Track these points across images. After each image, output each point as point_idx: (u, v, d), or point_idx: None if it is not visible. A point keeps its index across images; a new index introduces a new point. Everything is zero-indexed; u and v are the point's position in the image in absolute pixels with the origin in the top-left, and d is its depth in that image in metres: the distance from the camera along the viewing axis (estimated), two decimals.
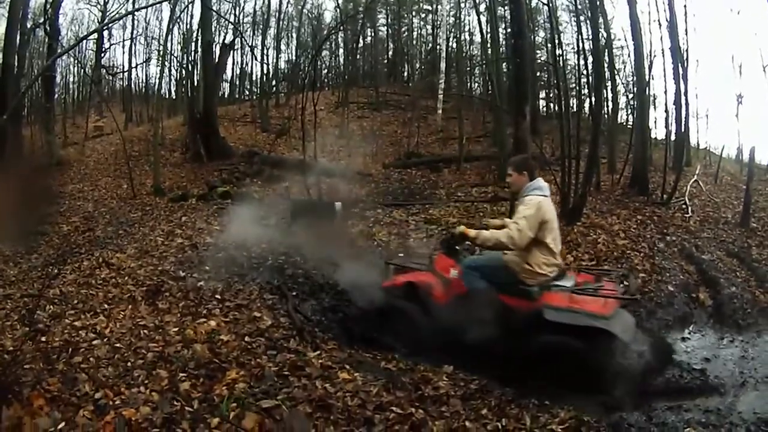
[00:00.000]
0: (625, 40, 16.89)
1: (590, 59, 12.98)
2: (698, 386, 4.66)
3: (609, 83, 15.48)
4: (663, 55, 14.84)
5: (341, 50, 26.18)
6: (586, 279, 4.96)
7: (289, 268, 7.35)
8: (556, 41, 15.35)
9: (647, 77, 14.08)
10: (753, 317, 6.88)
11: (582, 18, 15.75)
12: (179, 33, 20.95)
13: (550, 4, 15.30)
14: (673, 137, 14.46)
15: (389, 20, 26.94)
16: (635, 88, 14.44)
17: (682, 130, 14.22)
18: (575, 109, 16.08)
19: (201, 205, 11.43)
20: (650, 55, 14.54)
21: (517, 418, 3.85)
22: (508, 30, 17.64)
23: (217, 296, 6.19)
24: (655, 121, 18.02)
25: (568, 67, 17.61)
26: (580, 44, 15.40)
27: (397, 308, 5.29)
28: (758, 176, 15.39)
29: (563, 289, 4.64)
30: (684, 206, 11.44)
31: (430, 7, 25.25)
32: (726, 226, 10.85)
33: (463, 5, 22.18)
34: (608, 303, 4.50)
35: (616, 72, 16.10)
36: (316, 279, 6.94)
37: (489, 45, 17.26)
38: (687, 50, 14.85)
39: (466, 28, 23.43)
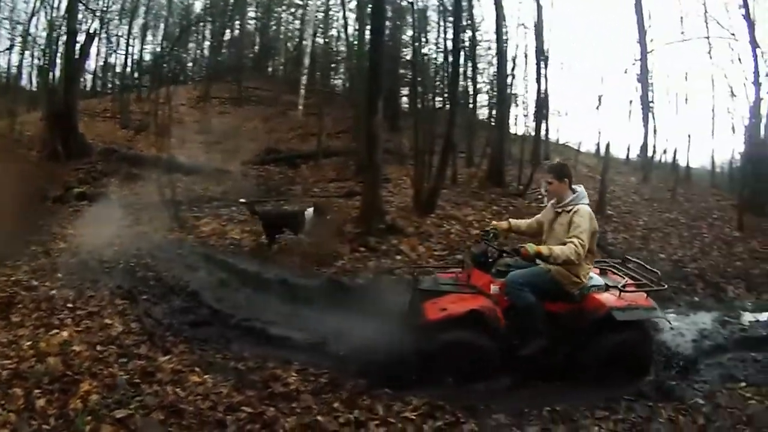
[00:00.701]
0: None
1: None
2: None
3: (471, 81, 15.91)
4: (526, 57, 15.60)
5: (207, 43, 25.08)
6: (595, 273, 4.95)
7: (140, 270, 6.93)
8: (422, 39, 15.47)
9: (509, 76, 14.58)
10: None
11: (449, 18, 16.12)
12: (46, 19, 19.17)
13: (413, 2, 15.48)
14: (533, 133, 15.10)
15: (258, 13, 26.19)
16: (496, 86, 14.72)
17: (541, 126, 14.92)
18: (437, 106, 16.25)
19: (57, 208, 10.59)
20: (515, 56, 15.11)
21: (369, 409, 3.92)
22: None
23: (69, 305, 5.79)
24: (516, 118, 18.77)
25: (433, 66, 17.84)
26: (446, 43, 15.77)
27: (464, 344, 4.50)
28: (617, 169, 16.41)
29: (599, 288, 4.68)
30: (539, 197, 11.87)
31: (300, 1, 24.82)
32: None
33: (333, 1, 21.99)
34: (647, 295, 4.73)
35: (478, 70, 16.36)
36: (167, 281, 6.59)
37: (356, 42, 17.17)
38: (547, 51, 15.45)
39: (335, 25, 23.25)
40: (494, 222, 5.16)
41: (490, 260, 4.80)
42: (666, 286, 5.11)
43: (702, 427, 4.08)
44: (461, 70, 14.57)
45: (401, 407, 3.90)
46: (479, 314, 4.44)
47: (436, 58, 17.35)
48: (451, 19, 14.84)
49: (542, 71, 14.51)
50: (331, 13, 22.54)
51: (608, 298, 4.61)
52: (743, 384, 4.78)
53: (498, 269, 4.78)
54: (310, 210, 7.54)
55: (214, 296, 6.09)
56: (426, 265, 6.91)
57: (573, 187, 4.64)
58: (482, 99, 17.06)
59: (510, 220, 5.18)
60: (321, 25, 22.33)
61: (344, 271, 6.85)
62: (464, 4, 14.27)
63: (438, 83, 16.53)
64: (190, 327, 5.48)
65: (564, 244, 4.37)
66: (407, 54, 17.98)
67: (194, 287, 6.32)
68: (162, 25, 23.99)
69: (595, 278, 4.78)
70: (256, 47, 26.11)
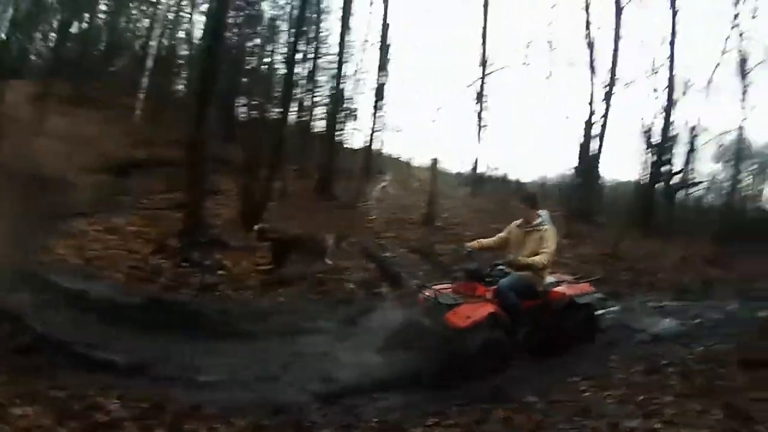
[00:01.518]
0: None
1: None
2: None
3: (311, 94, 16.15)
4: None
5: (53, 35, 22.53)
6: None
7: None
8: (266, 49, 15.93)
9: (345, 91, 15.35)
10: None
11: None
12: None
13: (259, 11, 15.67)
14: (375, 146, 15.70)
15: (109, 7, 24.03)
16: (333, 101, 15.23)
17: (373, 140, 15.74)
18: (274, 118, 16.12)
19: None
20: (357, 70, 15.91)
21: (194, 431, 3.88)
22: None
23: None
24: (353, 132, 19.14)
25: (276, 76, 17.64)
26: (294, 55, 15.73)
27: (493, 341, 5.57)
28: (450, 183, 17.22)
29: (553, 285, 6.32)
30: (369, 209, 12.09)
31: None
32: (412, 226, 11.76)
33: (185, 2, 20.90)
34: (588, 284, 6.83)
35: (316, 85, 16.52)
36: None
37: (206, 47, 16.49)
38: (389, 67, 16.24)
39: (184, 26, 22.12)
40: (467, 244, 6.47)
41: (482, 273, 6.04)
42: (600, 276, 7.62)
43: (540, 422, 4.44)
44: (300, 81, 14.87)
45: (227, 428, 3.92)
46: (495, 316, 5.62)
47: (277, 69, 17.09)
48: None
49: (382, 86, 15.22)
50: (181, 14, 21.48)
51: (566, 289, 6.36)
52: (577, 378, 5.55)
53: (486, 279, 5.99)
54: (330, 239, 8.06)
55: (40, 319, 5.56)
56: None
57: (538, 212, 6.14)
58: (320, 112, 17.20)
59: (479, 240, 6.50)
60: (170, 26, 21.43)
61: (166, 288, 6.40)
62: (314, 16, 14.44)
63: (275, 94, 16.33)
64: (12, 353, 5.00)
65: (537, 254, 5.83)
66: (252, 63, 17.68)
67: (18, 310, 5.71)
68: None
69: (549, 278, 6.30)
70: (103, 45, 24.08)
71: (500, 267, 6.11)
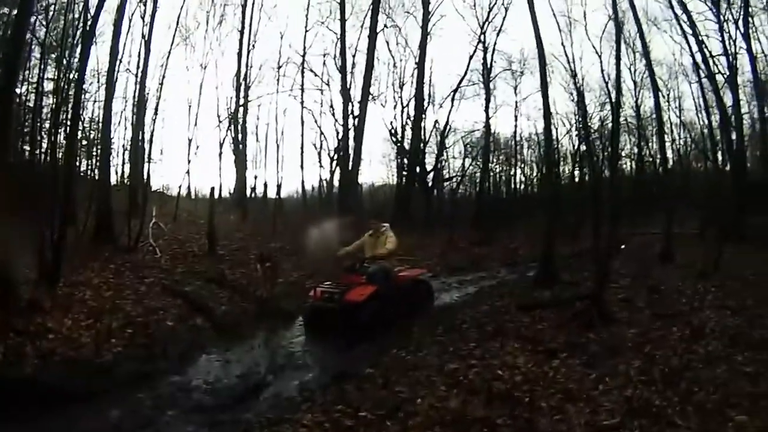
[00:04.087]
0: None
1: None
2: None
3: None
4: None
5: None
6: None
7: None
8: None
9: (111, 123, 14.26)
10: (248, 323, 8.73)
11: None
12: None
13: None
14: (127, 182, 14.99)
15: None
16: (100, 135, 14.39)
17: (139, 174, 14.83)
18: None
19: None
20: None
21: None
22: None
23: None
24: (116, 168, 18.27)
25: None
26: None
27: (379, 310, 8.08)
28: (214, 209, 17.35)
29: (400, 270, 9.23)
30: (151, 248, 11.95)
31: None
32: (196, 258, 11.92)
33: None
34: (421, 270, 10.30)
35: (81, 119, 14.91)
36: None
37: None
38: (147, 98, 15.72)
39: None
40: (341, 250, 9.25)
41: (357, 267, 8.70)
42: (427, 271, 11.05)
43: (384, 384, 5.73)
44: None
45: None
46: (377, 293, 8.10)
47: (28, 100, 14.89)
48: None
49: (143, 118, 14.66)
50: None
51: (410, 272, 9.53)
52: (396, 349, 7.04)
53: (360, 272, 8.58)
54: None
55: None
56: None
57: (383, 223, 9.09)
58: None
59: (344, 249, 9.25)
60: None
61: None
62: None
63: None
64: None
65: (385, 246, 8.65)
66: None
67: None
68: None
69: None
70: None
71: (366, 263, 8.69)
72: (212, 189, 14.90)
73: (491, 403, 5.05)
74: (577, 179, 22.71)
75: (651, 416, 4.61)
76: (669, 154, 24.75)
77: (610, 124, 21.20)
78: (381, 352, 7.03)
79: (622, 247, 13.83)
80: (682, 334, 7.12)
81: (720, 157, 19.32)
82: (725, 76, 18.18)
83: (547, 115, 12.06)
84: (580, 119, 22.41)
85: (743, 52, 18.17)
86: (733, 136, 17.99)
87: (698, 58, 17.53)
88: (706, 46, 17.55)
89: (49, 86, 14.33)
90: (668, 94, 25.61)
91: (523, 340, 7.15)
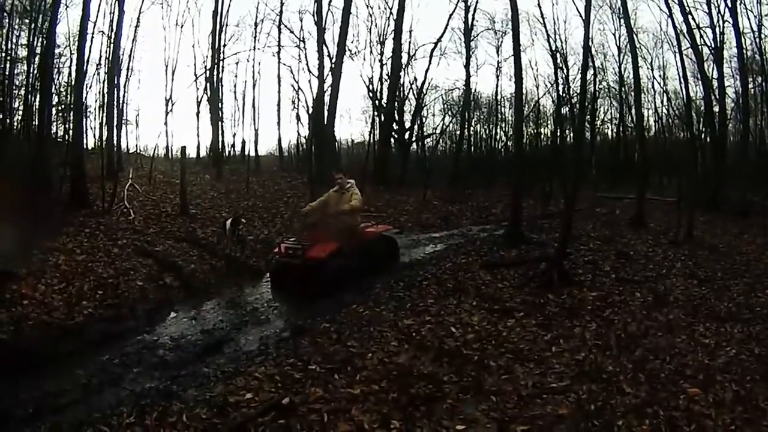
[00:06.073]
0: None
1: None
2: None
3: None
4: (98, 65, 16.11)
5: None
6: None
7: None
8: None
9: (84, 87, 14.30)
10: (216, 281, 8.93)
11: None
12: None
13: None
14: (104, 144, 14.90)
15: None
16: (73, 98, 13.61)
17: (114, 137, 14.86)
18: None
19: None
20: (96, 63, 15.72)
21: None
22: None
23: None
24: (93, 132, 18.08)
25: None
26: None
27: (341, 265, 8.30)
28: (190, 169, 17.47)
29: (366, 226, 9.45)
30: (125, 210, 12.11)
31: None
32: (169, 218, 12.13)
33: None
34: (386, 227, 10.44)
35: (37, 80, 14.34)
36: None
37: None
38: (120, 60, 15.51)
39: None
40: (306, 207, 9.49)
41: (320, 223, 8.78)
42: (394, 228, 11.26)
43: (337, 338, 6.02)
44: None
45: None
46: (340, 249, 8.38)
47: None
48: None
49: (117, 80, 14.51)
50: None
51: (376, 228, 9.72)
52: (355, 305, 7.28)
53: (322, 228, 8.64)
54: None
55: None
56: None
57: (348, 179, 8.96)
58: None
59: (309, 204, 9.46)
60: None
61: None
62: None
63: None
64: None
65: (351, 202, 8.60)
66: None
67: None
68: None
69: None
70: None
71: (329, 219, 8.75)
72: (183, 148, 14.87)
73: (440, 359, 5.30)
74: (558, 141, 22.71)
75: (601, 381, 4.73)
76: (651, 122, 25.02)
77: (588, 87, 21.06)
78: (340, 307, 7.29)
79: (578, 209, 14.03)
80: (645, 300, 7.41)
81: (702, 129, 19.56)
82: (711, 48, 18.41)
83: (519, 75, 11.92)
84: (559, 82, 22.29)
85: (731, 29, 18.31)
86: (716, 109, 18.21)
87: (684, 28, 17.75)
88: (693, 18, 17.67)
89: (23, 53, 14.07)
90: (652, 62, 25.83)
91: (482, 298, 7.49)
